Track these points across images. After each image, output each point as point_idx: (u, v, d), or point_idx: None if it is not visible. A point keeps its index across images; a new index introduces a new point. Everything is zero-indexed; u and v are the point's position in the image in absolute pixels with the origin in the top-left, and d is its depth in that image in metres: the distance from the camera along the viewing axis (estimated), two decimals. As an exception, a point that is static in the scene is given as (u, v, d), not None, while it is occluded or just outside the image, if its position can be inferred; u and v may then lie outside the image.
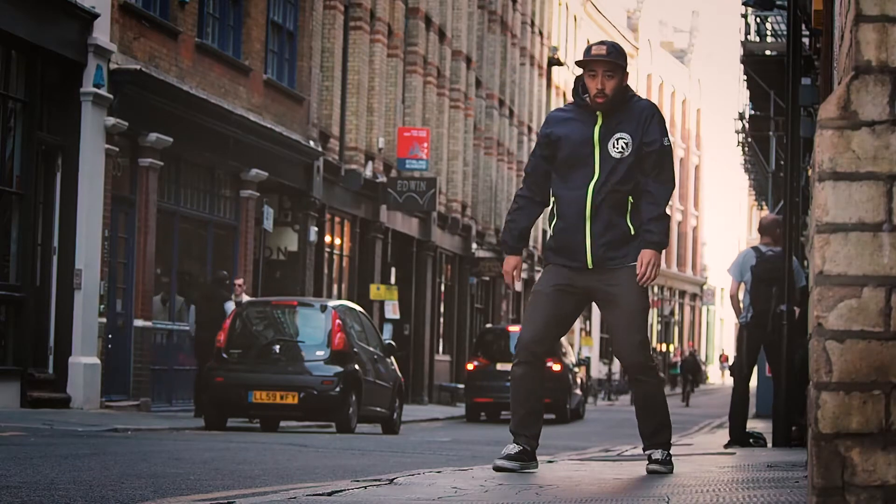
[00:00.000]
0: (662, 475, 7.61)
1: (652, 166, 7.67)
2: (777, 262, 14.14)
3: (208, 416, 19.64)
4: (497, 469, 7.72)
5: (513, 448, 7.77)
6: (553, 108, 59.79)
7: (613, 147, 7.67)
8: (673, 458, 7.95)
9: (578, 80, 7.80)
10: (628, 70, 7.77)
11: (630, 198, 7.67)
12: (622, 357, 7.84)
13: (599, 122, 7.72)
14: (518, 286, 7.93)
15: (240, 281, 23.59)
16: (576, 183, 7.70)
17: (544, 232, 58.33)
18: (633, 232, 7.69)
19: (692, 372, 59.58)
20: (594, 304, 8.10)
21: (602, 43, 7.76)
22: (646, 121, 7.68)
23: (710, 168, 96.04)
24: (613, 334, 7.89)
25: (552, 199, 7.83)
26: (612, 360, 67.15)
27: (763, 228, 14.50)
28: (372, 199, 34.94)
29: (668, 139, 7.76)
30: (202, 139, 24.95)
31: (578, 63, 7.72)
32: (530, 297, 7.88)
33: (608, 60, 7.64)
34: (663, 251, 7.81)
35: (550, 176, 7.84)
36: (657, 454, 7.81)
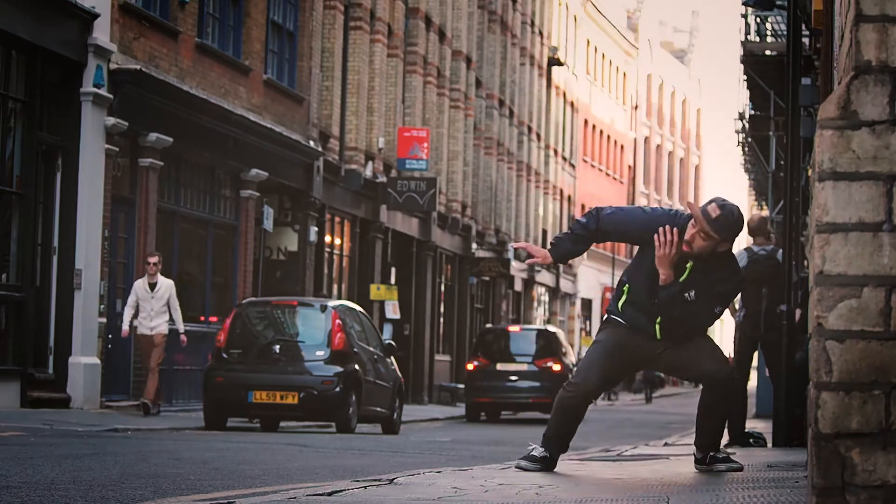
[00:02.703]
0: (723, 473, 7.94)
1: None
2: (766, 264, 14.15)
3: (207, 415, 19.63)
4: (519, 468, 7.90)
5: (539, 451, 7.97)
6: (553, 108, 59.81)
7: (686, 292, 7.92)
8: (675, 458, 8.00)
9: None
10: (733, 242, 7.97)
11: None
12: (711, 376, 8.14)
13: (688, 270, 7.89)
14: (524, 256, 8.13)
15: (154, 259, 21.04)
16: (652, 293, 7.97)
17: (544, 232, 58.30)
18: None
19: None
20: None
21: (722, 206, 7.97)
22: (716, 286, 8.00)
23: (710, 168, 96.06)
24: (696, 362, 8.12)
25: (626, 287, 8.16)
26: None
27: (754, 229, 14.50)
28: (372, 199, 34.94)
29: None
30: (202, 139, 24.94)
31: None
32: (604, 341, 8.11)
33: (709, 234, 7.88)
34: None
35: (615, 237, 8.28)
36: (720, 453, 8.27)
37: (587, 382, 8.01)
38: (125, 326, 20.87)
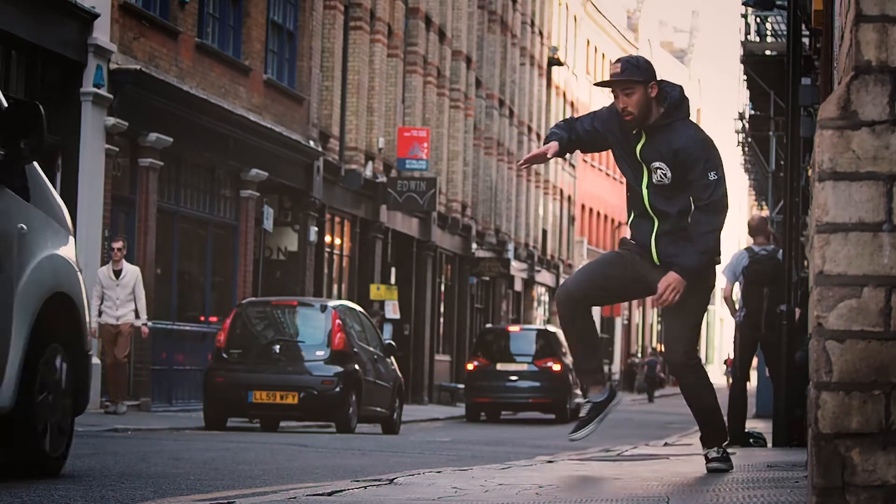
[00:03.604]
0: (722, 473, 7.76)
1: (698, 195, 7.64)
2: (767, 264, 14.16)
3: (207, 415, 19.64)
4: (574, 435, 7.94)
5: (584, 406, 7.99)
6: (553, 108, 59.80)
7: (654, 174, 7.68)
8: (675, 458, 7.97)
9: None
10: (655, 80, 7.64)
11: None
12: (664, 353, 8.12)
13: (642, 140, 7.69)
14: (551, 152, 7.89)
15: (118, 244, 20.08)
16: (635, 181, 7.77)
17: (544, 232, 58.32)
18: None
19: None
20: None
21: (617, 61, 7.74)
22: (684, 162, 7.61)
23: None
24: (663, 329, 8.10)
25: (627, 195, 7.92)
26: (611, 360, 67.14)
27: (754, 229, 14.51)
28: (372, 199, 34.94)
29: (715, 173, 7.59)
30: (202, 139, 24.95)
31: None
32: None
33: (618, 80, 7.59)
34: (696, 277, 7.71)
35: (587, 137, 7.87)
36: (712, 453, 7.93)
37: (569, 282, 7.88)
38: (93, 325, 18.88)
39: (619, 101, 7.61)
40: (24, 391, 7.33)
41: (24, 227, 7.39)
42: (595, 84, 7.89)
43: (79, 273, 7.99)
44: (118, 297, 19.93)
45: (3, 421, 7.28)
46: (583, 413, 8.05)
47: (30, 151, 7.33)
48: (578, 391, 34.80)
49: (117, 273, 20.00)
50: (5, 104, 7.33)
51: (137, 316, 20.09)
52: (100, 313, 19.83)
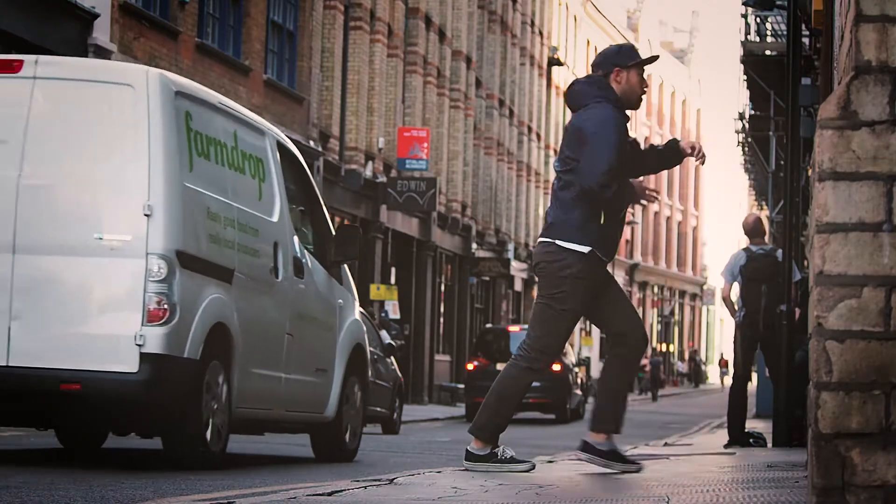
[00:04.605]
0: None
1: None
2: (765, 261, 14.16)
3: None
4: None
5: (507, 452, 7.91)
6: (553, 108, 59.79)
7: None
8: (675, 458, 7.95)
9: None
10: (613, 66, 7.69)
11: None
12: (637, 330, 7.84)
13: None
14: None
15: None
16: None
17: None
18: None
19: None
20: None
21: (629, 45, 8.01)
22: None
23: (710, 168, 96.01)
24: (622, 310, 7.85)
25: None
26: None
27: (750, 231, 14.50)
28: (372, 199, 34.93)
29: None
30: (202, 139, 24.94)
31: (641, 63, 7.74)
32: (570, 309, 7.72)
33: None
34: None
35: None
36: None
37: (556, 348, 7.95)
38: None
39: (644, 80, 7.81)
40: (339, 407, 11.39)
41: (341, 301, 11.60)
42: (649, 59, 7.82)
43: (364, 329, 12.14)
44: None
45: (329, 426, 11.37)
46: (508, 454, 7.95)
47: (346, 258, 11.55)
48: (578, 391, 34.85)
49: None
50: (334, 231, 11.52)
51: None
52: None
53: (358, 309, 12.01)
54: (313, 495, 6.13)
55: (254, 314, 9.78)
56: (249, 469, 9.78)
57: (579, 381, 35.76)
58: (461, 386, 36.93)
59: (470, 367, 32.14)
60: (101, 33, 21.28)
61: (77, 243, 8.73)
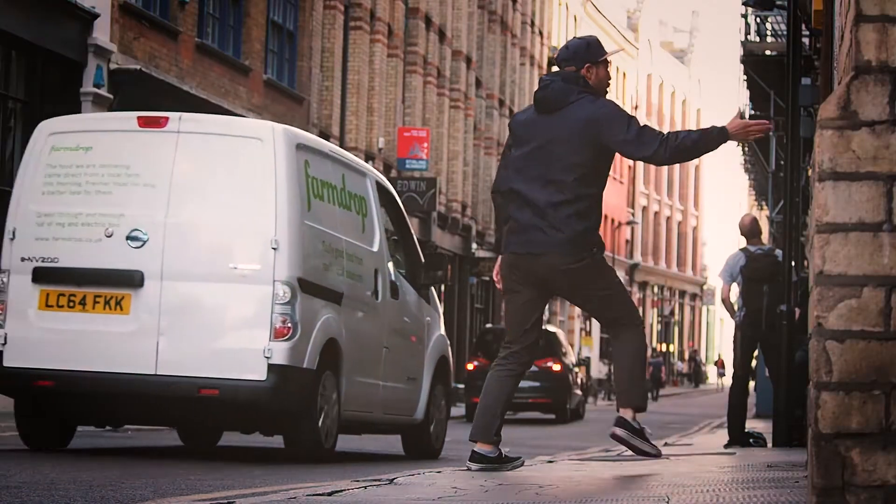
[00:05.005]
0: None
1: None
2: (765, 261, 14.16)
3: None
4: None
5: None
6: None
7: None
8: (675, 458, 7.96)
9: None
10: (584, 62, 7.76)
11: None
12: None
13: None
14: None
15: None
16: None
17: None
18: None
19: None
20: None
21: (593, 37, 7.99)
22: None
23: (710, 168, 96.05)
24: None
25: (596, 192, 7.75)
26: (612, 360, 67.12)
27: (748, 232, 14.50)
28: (372, 199, 34.90)
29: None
30: (202, 139, 24.94)
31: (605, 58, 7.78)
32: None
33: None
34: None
35: None
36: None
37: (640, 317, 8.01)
38: None
39: (609, 68, 7.84)
40: (427, 411, 12.90)
41: (429, 318, 13.23)
42: (610, 54, 7.87)
43: (448, 343, 13.77)
44: None
45: (418, 427, 12.84)
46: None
47: (434, 281, 13.29)
48: (578, 391, 34.84)
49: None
50: (423, 259, 13.20)
51: None
52: None
53: (442, 325, 13.73)
54: (313, 495, 6.13)
55: (358, 331, 11.42)
56: (249, 469, 9.78)
57: (579, 381, 35.77)
58: (461, 386, 36.91)
59: (470, 367, 32.13)
60: (101, 33, 21.29)
61: (215, 272, 10.26)
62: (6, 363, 10.39)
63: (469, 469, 7.85)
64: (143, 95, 22.48)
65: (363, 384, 11.59)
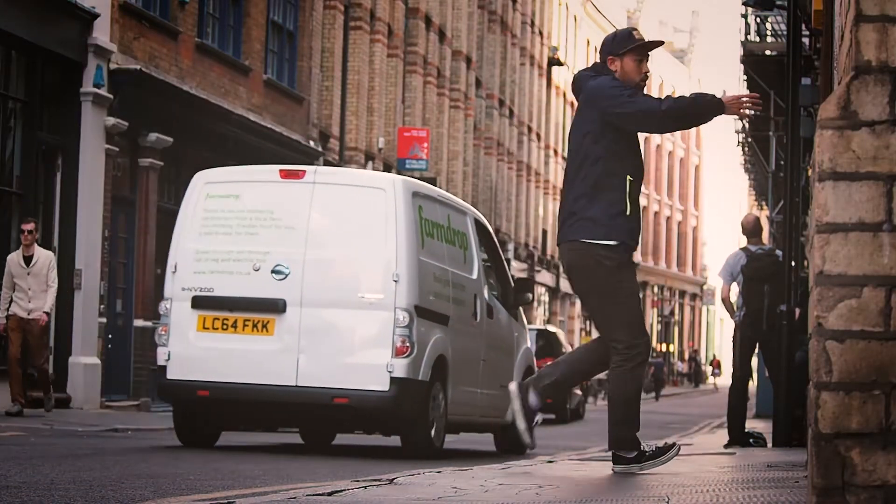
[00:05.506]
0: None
1: None
2: (766, 261, 14.16)
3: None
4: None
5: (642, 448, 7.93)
6: (553, 108, 59.76)
7: None
8: (675, 458, 7.95)
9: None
10: (607, 54, 7.92)
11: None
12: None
13: None
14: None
15: (28, 226, 17.27)
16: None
17: (544, 232, 58.27)
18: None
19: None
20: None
21: (635, 29, 8.05)
22: None
23: (710, 168, 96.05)
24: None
25: (629, 179, 7.65)
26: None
27: (750, 231, 14.51)
28: (372, 199, 34.89)
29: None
30: (202, 139, 24.93)
31: (635, 48, 7.78)
32: (630, 293, 7.76)
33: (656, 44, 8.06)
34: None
35: None
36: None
37: (648, 337, 7.86)
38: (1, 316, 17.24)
39: (644, 66, 7.88)
40: None
41: (517, 334, 15.06)
42: (650, 43, 7.86)
43: (533, 354, 15.66)
44: (29, 287, 17.10)
45: (508, 427, 12.82)
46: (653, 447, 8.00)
47: (522, 303, 15.06)
48: (578, 391, 34.78)
49: (28, 259, 17.13)
50: (512, 283, 15.03)
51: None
52: (9, 304, 17.16)
53: (528, 339, 15.56)
54: (313, 495, 6.13)
55: (462, 347, 13.30)
56: (249, 469, 9.78)
57: (579, 381, 35.68)
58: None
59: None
60: (101, 33, 21.28)
61: (345, 300, 12.13)
62: (169, 376, 12.49)
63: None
64: (143, 95, 22.48)
65: (465, 392, 13.45)
